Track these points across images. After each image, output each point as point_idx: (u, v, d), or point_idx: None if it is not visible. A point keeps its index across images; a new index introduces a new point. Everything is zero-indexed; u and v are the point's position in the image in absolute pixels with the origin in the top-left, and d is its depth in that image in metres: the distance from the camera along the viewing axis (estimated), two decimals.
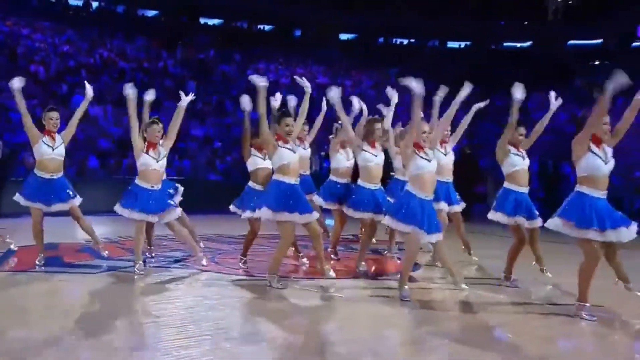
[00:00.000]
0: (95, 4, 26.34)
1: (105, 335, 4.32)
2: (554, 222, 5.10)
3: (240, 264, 6.78)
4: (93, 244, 6.99)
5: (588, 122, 4.97)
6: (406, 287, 5.57)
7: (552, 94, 6.37)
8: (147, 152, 6.29)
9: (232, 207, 6.82)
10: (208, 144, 17.28)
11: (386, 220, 5.78)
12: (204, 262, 6.64)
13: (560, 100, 6.36)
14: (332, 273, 6.13)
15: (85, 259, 7.03)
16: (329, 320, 5.12)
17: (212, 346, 4.11)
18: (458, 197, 7.28)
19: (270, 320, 4.92)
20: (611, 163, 4.99)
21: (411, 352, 4.24)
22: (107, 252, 6.99)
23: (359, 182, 6.77)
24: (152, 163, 6.30)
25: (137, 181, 6.34)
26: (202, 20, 28.84)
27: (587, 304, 5.06)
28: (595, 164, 4.95)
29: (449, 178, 7.20)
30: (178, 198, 7.15)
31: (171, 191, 7.07)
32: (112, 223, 9.47)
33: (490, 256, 7.74)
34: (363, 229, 7.44)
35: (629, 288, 5.37)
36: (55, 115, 6.58)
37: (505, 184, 6.29)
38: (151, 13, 28.30)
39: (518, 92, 6.00)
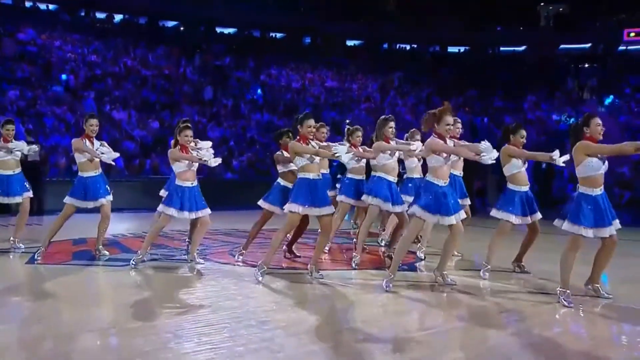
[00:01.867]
0: (119, 17, 26.38)
1: (134, 322, 4.37)
2: (566, 225, 5.05)
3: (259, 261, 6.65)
4: (97, 248, 6.88)
5: (601, 149, 5.00)
6: (392, 276, 5.44)
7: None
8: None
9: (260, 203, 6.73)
10: (224, 144, 17.28)
11: (414, 209, 5.43)
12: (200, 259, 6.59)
13: (566, 157, 5.74)
14: (318, 274, 5.88)
15: (113, 253, 7.03)
16: (343, 308, 5.07)
17: (230, 333, 4.10)
18: (465, 191, 7.21)
19: (285, 308, 4.90)
20: (606, 163, 5.07)
21: (425, 335, 4.22)
22: (106, 252, 6.88)
23: (378, 174, 6.59)
24: (188, 164, 6.25)
25: (177, 182, 6.24)
26: (219, 30, 28.79)
27: (568, 291, 5.05)
28: (596, 165, 5.00)
29: (460, 172, 7.13)
30: None
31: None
32: (136, 219, 9.51)
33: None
34: (356, 221, 7.34)
35: (596, 289, 5.34)
36: (95, 122, 6.63)
37: (510, 186, 6.16)
38: (171, 24, 28.28)
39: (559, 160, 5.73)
